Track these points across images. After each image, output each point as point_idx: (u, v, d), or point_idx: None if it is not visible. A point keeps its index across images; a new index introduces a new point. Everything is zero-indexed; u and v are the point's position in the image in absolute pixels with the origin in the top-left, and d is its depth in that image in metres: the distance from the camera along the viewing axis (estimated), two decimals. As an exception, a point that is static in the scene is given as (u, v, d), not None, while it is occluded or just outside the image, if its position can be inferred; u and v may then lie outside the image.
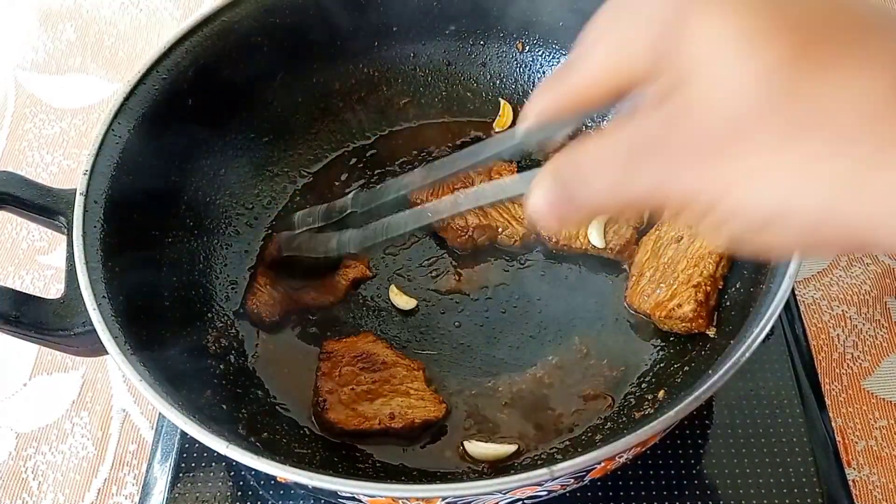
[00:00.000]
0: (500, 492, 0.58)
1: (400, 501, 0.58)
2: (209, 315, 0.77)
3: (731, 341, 0.61)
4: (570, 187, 0.42)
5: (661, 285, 0.75)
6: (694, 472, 0.72)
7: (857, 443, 0.78)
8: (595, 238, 0.79)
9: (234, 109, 0.83)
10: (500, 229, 0.82)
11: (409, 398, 0.72)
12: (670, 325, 0.74)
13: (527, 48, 0.91)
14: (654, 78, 0.40)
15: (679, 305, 0.73)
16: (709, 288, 0.73)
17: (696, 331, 0.73)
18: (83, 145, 1.06)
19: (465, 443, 0.70)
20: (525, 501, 0.64)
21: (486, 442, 0.70)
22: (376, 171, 0.89)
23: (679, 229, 0.77)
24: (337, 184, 0.88)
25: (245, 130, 0.85)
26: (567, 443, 0.71)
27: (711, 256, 0.74)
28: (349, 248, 0.71)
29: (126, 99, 0.72)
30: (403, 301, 0.79)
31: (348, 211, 0.74)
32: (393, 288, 0.80)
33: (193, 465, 0.74)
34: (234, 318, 0.78)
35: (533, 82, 0.92)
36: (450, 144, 0.90)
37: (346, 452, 0.71)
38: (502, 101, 0.92)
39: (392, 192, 0.71)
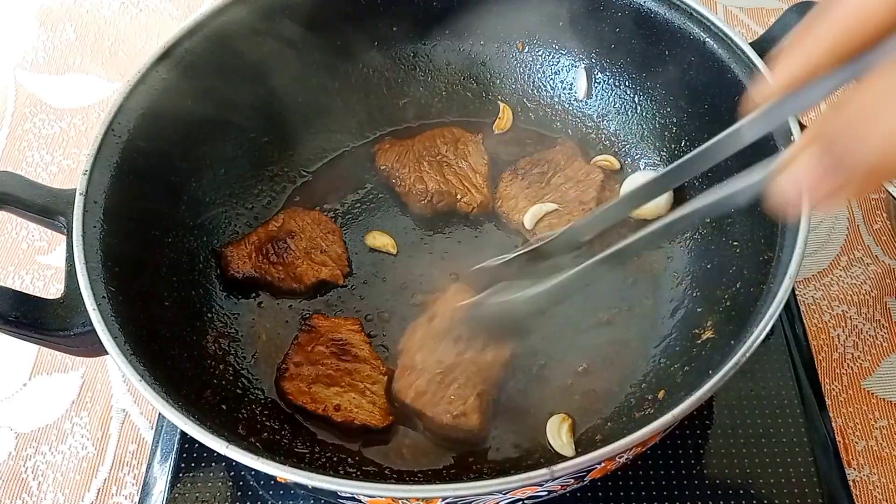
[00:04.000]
0: (500, 492, 0.58)
1: (400, 501, 0.58)
2: (209, 315, 0.77)
3: (732, 342, 0.61)
4: (841, 148, 0.38)
5: (439, 385, 0.70)
6: (694, 472, 0.72)
7: (857, 443, 0.78)
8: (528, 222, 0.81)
9: (234, 110, 0.83)
10: (458, 196, 0.83)
11: (361, 398, 0.71)
12: (447, 432, 0.70)
13: (527, 48, 0.91)
14: None
15: (463, 414, 0.68)
16: (490, 395, 0.70)
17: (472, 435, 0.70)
18: (83, 145, 1.06)
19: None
20: (525, 501, 0.64)
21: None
22: (376, 171, 0.89)
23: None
24: (337, 184, 0.88)
25: (245, 130, 0.85)
26: (567, 443, 0.71)
27: (495, 364, 0.71)
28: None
29: (126, 98, 0.72)
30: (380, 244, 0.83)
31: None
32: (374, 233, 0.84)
33: (193, 465, 0.74)
34: (233, 317, 0.78)
35: (533, 82, 0.92)
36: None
37: (345, 452, 0.71)
38: (501, 104, 0.92)
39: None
